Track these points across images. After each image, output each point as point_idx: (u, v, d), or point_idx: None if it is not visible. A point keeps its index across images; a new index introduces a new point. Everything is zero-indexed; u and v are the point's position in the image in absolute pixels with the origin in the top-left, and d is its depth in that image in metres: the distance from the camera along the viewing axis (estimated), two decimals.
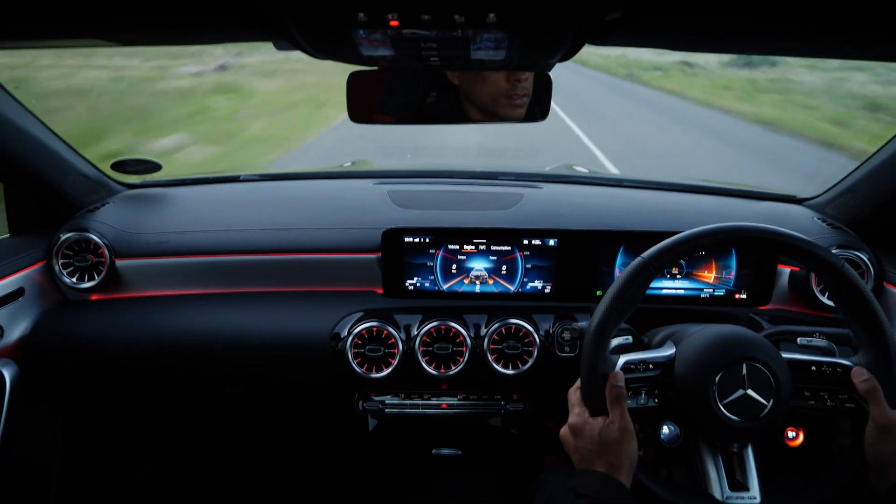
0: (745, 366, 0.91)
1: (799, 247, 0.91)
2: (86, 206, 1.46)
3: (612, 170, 6.55)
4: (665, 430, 0.96)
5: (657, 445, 1.00)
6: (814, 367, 0.95)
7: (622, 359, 0.94)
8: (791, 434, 0.97)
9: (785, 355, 0.96)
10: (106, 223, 1.39)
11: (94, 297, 1.41)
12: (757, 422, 0.91)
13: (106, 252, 1.36)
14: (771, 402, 0.90)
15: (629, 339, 1.01)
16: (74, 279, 1.37)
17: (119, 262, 1.37)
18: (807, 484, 0.93)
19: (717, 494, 0.92)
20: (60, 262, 1.37)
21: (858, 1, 0.56)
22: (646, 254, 0.92)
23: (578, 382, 0.95)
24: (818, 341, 1.06)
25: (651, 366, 0.95)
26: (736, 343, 0.93)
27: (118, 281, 1.39)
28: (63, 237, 1.36)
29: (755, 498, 0.91)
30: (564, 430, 0.93)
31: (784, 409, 0.91)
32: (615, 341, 0.98)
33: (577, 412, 0.92)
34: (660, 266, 0.92)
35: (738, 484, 0.92)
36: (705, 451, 0.95)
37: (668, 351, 0.97)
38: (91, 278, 1.37)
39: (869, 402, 0.89)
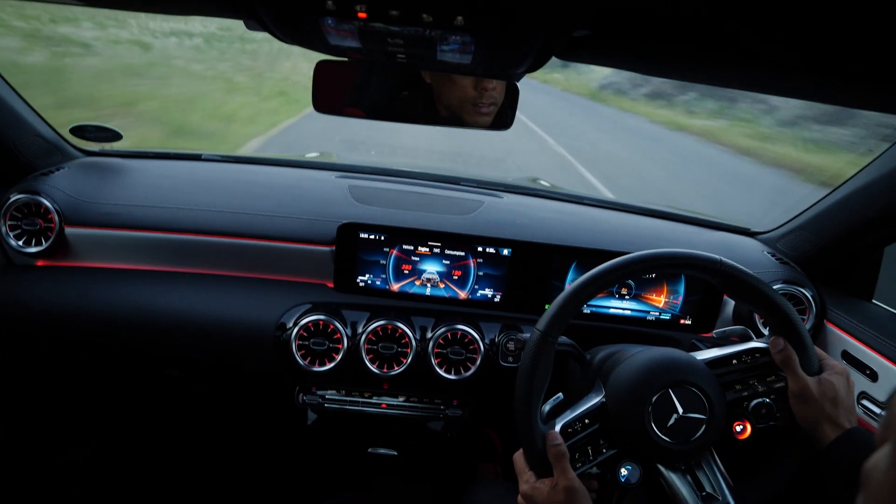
0: (671, 391, 0.92)
1: (678, 261, 0.93)
2: (39, 168, 1.43)
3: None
4: (623, 471, 0.94)
5: (619, 488, 1.00)
6: (735, 361, 0.97)
7: (558, 425, 0.93)
8: (738, 428, 0.98)
9: (703, 355, 0.98)
10: (58, 188, 1.36)
11: (39, 262, 1.37)
12: (702, 438, 0.92)
13: (56, 218, 1.33)
14: (706, 416, 0.92)
15: (560, 396, 0.99)
16: (21, 242, 1.34)
17: (68, 230, 1.34)
18: (766, 472, 0.95)
19: None
20: (8, 223, 1.33)
21: (833, 50, 0.55)
22: (541, 324, 0.92)
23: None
24: (733, 329, 1.08)
25: (587, 420, 0.94)
26: (661, 370, 0.94)
27: (66, 249, 1.36)
28: (13, 198, 1.32)
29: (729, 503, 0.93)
30: (519, 499, 0.93)
31: (721, 421, 0.93)
32: (546, 407, 0.97)
33: (524, 479, 0.91)
34: (559, 331, 0.92)
35: (710, 496, 0.93)
36: (671, 476, 0.94)
37: (597, 398, 0.96)
38: (38, 243, 1.34)
39: (786, 372, 0.92)
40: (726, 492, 0.93)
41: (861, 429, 0.87)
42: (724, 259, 0.93)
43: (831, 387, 0.89)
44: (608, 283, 0.94)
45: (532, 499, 0.89)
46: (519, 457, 0.94)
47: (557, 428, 0.92)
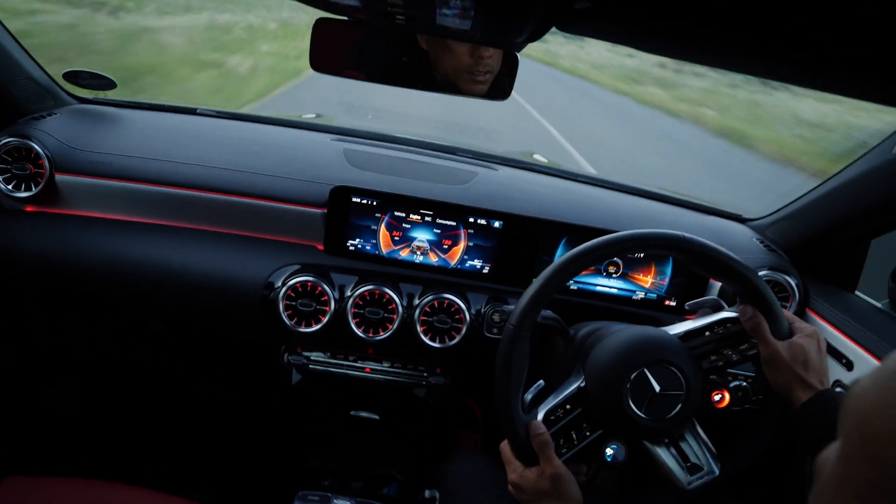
0: (647, 371, 0.94)
1: (641, 241, 0.95)
2: (31, 112, 1.40)
3: None
4: (608, 451, 0.96)
5: (607, 468, 1.02)
6: (707, 332, 0.99)
7: (541, 413, 0.94)
8: (717, 397, 1.00)
9: (676, 329, 1.00)
10: (50, 134, 1.35)
11: (28, 208, 1.36)
12: (680, 413, 0.94)
13: (46, 163, 1.31)
14: (683, 392, 0.94)
15: (541, 384, 1.00)
16: (10, 186, 1.33)
17: (59, 177, 1.33)
18: (747, 438, 0.98)
19: (684, 483, 0.95)
20: None
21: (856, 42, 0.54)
22: (512, 320, 0.93)
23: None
24: (704, 300, 1.09)
25: (569, 406, 0.95)
26: (637, 351, 0.95)
27: (56, 196, 1.35)
28: (2, 141, 1.30)
29: (714, 472, 0.95)
30: (510, 488, 0.95)
31: (698, 395, 0.95)
32: (528, 395, 0.98)
33: (512, 468, 0.93)
34: (530, 325, 0.93)
35: (694, 466, 0.96)
36: (657, 450, 0.97)
37: (576, 382, 0.97)
38: (28, 189, 1.33)
39: (756, 339, 0.94)
40: (710, 460, 0.96)
41: (832, 390, 0.88)
42: (685, 234, 0.94)
43: (801, 350, 0.90)
44: (574, 272, 0.95)
45: (520, 487, 0.92)
46: (505, 446, 0.96)
47: (540, 416, 0.93)
